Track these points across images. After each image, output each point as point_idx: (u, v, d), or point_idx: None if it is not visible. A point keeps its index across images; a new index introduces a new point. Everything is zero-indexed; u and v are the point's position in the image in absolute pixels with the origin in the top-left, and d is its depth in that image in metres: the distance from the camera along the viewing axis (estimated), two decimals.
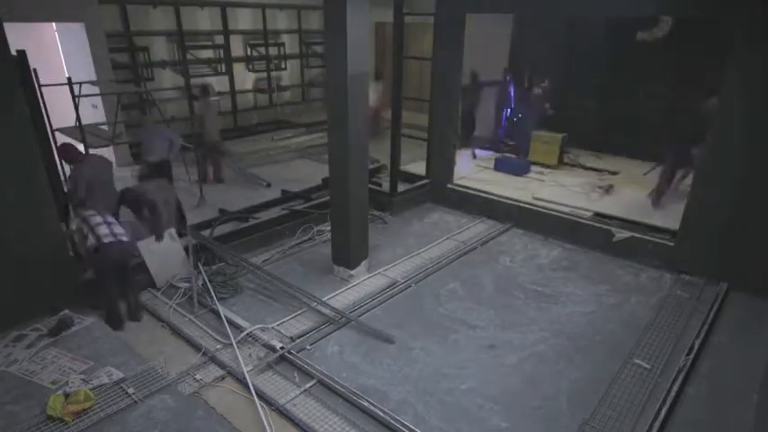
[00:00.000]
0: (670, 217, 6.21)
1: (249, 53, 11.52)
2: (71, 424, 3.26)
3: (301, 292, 5.20)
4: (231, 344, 4.45)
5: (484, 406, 3.91)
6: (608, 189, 7.45)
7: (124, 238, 4.67)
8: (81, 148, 5.73)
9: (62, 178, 5.61)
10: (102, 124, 7.38)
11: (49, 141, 5.37)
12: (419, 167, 8.18)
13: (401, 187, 7.61)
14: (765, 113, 4.94)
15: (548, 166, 8.62)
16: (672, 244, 5.89)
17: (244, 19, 11.14)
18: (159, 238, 5.33)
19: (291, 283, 5.33)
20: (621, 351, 4.51)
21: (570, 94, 9.64)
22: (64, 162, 5.51)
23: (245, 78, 11.64)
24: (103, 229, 4.58)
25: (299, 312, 5.00)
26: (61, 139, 5.75)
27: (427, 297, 5.40)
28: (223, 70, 11.00)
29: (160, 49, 9.80)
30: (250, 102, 11.87)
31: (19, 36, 5.64)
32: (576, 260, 6.22)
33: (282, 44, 12.15)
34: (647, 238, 6.07)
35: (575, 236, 6.59)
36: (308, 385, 4.03)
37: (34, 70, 5.01)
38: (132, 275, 4.95)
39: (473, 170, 8.58)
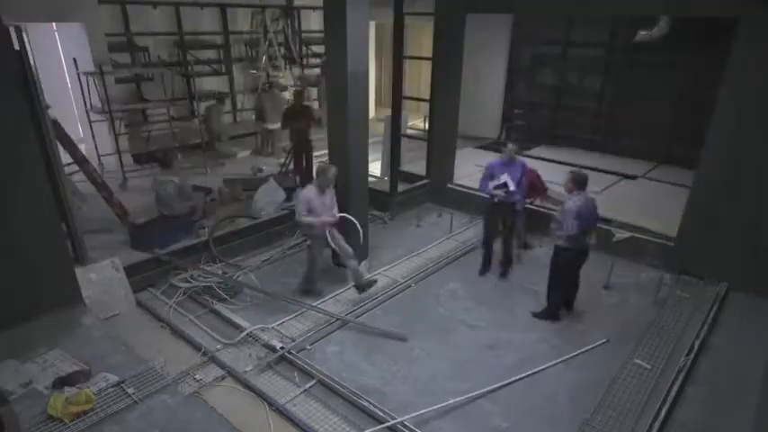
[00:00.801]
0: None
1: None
2: (70, 425, 3.25)
3: (295, 301, 5.13)
4: (231, 344, 4.45)
5: (484, 406, 3.92)
6: None
7: None
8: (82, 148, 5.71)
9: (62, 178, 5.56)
10: None
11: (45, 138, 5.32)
12: (419, 167, 8.17)
13: (401, 187, 7.60)
14: (765, 113, 4.94)
15: None
16: (672, 244, 5.89)
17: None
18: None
19: (290, 285, 5.33)
20: (621, 351, 4.51)
21: None
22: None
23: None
24: None
25: (298, 312, 5.00)
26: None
27: (427, 297, 5.40)
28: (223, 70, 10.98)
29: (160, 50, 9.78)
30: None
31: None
32: None
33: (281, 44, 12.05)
34: (647, 238, 6.06)
35: None
36: (308, 385, 4.03)
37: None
38: None
39: (473, 170, 8.55)
